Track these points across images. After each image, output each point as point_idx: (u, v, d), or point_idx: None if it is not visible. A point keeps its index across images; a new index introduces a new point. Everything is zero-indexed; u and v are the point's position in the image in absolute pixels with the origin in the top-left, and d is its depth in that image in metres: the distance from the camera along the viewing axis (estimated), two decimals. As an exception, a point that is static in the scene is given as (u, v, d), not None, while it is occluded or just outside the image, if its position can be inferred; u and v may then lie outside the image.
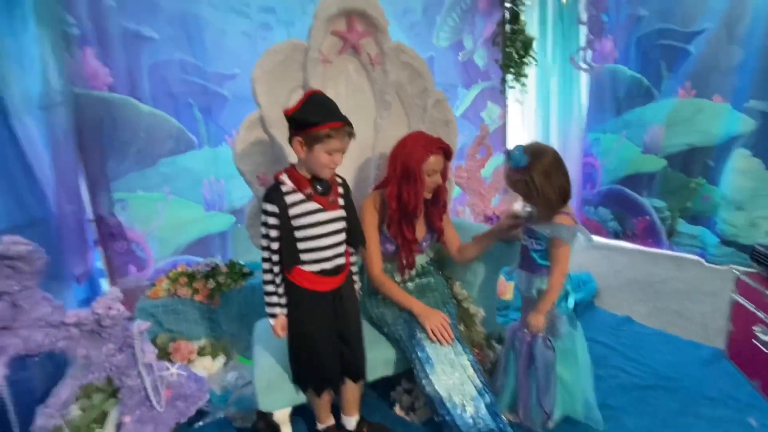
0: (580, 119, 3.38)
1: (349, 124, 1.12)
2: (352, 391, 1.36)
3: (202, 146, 2.43)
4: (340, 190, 1.24)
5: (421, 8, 2.78)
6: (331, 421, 1.40)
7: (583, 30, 2.94)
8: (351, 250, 1.30)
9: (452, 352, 1.30)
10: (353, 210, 1.27)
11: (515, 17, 2.99)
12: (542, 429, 1.36)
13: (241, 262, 2.25)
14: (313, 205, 1.15)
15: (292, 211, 1.14)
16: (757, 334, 1.46)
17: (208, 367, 1.87)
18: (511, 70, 3.04)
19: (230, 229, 2.59)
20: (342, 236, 1.23)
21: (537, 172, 1.21)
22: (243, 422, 1.52)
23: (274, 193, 1.15)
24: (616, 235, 3.30)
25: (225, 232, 2.59)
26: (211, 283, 1.99)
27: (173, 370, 1.59)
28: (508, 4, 2.98)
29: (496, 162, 3.23)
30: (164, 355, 1.82)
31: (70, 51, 2.09)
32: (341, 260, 1.24)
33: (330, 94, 1.67)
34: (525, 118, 3.40)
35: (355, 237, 1.27)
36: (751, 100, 2.42)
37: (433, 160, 1.39)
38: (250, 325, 1.95)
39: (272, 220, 1.14)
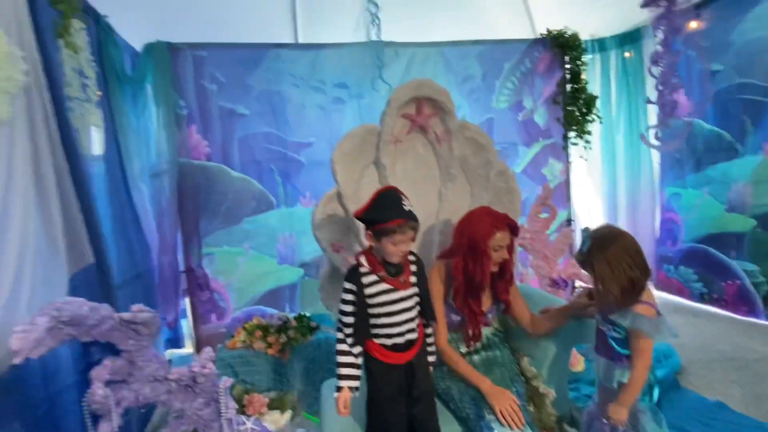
0: (650, 173, 3.23)
1: (413, 219, 1.21)
2: None
3: (280, 206, 2.70)
4: (413, 268, 1.32)
5: (480, 75, 2.93)
6: None
7: (653, 109, 2.89)
8: (424, 323, 1.37)
9: (521, 436, 1.27)
10: (426, 286, 1.35)
11: (576, 77, 3.03)
12: None
13: (308, 314, 2.39)
14: (386, 286, 1.25)
15: (367, 291, 1.25)
16: None
17: (276, 421, 1.97)
18: (574, 127, 3.03)
19: (299, 281, 2.78)
20: (413, 313, 1.30)
21: (598, 261, 1.18)
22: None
23: (353, 274, 1.28)
24: (702, 299, 3.01)
25: (294, 284, 2.78)
26: (283, 338, 2.13)
27: (248, 424, 1.70)
28: (568, 65, 3.03)
29: (560, 218, 3.17)
30: (239, 406, 1.96)
31: (179, 128, 2.49)
32: (413, 335, 1.30)
33: (398, 168, 1.83)
34: (590, 174, 3.33)
35: (427, 312, 1.34)
36: None
37: (500, 236, 1.43)
38: (315, 381, 2.05)
39: (350, 297, 1.27)
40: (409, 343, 1.29)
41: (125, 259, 2.15)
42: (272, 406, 2.03)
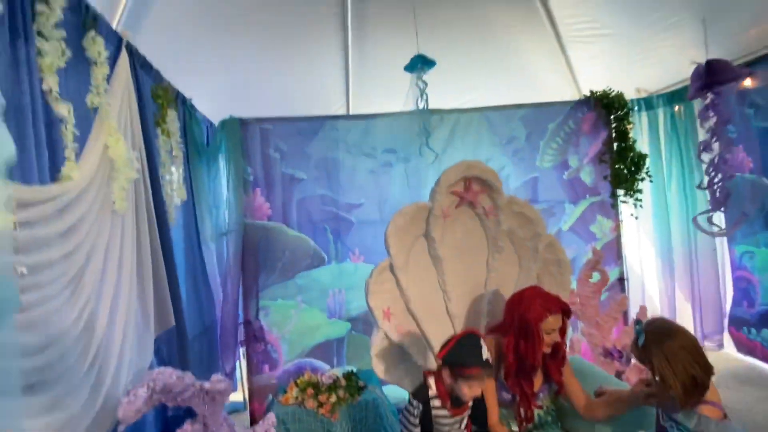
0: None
1: (489, 367, 1.34)
2: None
3: (331, 262, 2.86)
4: None
5: (524, 136, 3.02)
6: None
7: (705, 196, 2.87)
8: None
9: None
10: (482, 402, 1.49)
11: (623, 135, 3.03)
12: None
13: (355, 369, 2.46)
14: (446, 412, 1.43)
15: (433, 413, 1.43)
16: None
17: (325, 483, 2.02)
18: (623, 185, 3.00)
19: (347, 335, 2.88)
20: (464, 422, 1.49)
21: (657, 357, 1.18)
22: None
23: (421, 393, 1.46)
24: None
25: (342, 337, 2.88)
26: (333, 398, 2.21)
27: (302, 487, 1.77)
28: (614, 124, 3.05)
29: (612, 276, 3.08)
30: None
31: (245, 192, 2.77)
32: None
33: (448, 239, 1.93)
34: (642, 232, 3.24)
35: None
36: None
37: (552, 320, 1.46)
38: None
39: (416, 411, 1.44)
40: None
41: (195, 315, 2.37)
42: (321, 468, 2.09)
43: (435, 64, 2.45)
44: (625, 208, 3.09)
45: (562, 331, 1.52)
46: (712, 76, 2.52)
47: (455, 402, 1.42)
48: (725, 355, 3.19)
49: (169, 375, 1.34)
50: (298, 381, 2.37)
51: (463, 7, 3.01)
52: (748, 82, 2.91)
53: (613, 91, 3.05)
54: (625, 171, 3.00)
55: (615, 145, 3.06)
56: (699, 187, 2.98)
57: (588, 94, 3.07)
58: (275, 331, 2.78)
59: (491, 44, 3.27)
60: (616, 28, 2.96)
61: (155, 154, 1.92)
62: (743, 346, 3.06)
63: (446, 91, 3.20)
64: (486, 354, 1.34)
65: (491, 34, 3.21)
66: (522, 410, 1.51)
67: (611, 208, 3.09)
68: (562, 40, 3.23)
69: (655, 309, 3.29)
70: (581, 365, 1.84)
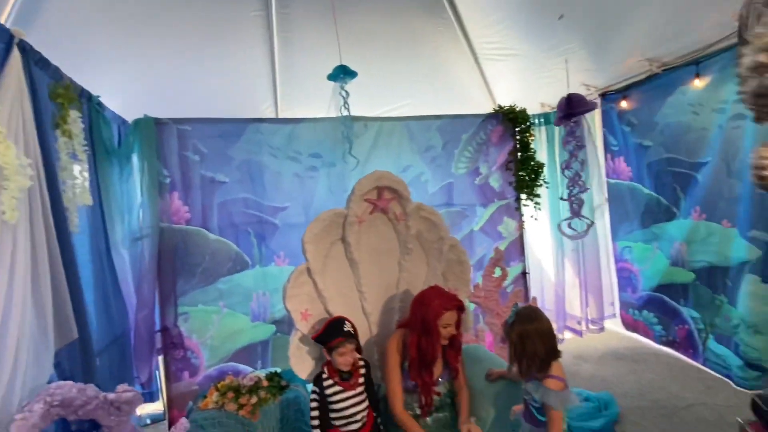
0: (593, 230, 3.61)
1: (351, 337, 1.72)
2: None
3: (255, 266, 2.86)
4: (362, 371, 1.80)
5: (441, 144, 3.28)
6: None
7: (565, 206, 3.44)
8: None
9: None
10: (372, 386, 1.83)
11: (525, 147, 3.42)
12: None
13: (279, 370, 2.52)
14: (339, 388, 1.73)
15: (327, 391, 1.75)
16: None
17: (245, 482, 2.06)
18: (525, 190, 3.40)
19: (271, 337, 2.91)
20: (363, 405, 1.76)
21: (515, 333, 1.43)
22: None
23: (318, 379, 1.78)
24: (660, 340, 3.33)
25: (267, 340, 2.90)
26: (254, 399, 2.24)
27: (219, 488, 1.80)
28: (518, 137, 3.43)
29: (516, 271, 3.47)
30: (210, 469, 2.04)
31: (161, 195, 2.67)
32: (364, 419, 1.76)
33: (363, 243, 2.07)
34: (540, 231, 3.68)
35: (373, 405, 1.81)
36: (753, 230, 2.59)
37: (448, 316, 1.68)
38: (284, 439, 2.17)
39: (315, 396, 1.77)
40: (363, 425, 1.75)
41: (104, 326, 2.25)
42: (242, 467, 2.12)
43: (356, 75, 2.57)
44: (527, 210, 3.50)
45: (458, 325, 1.73)
46: (570, 107, 2.98)
47: (343, 377, 1.74)
48: (613, 334, 3.74)
49: (68, 389, 1.31)
50: (219, 385, 2.37)
51: (386, 19, 3.18)
52: (624, 105, 3.45)
53: (518, 107, 3.43)
54: (527, 178, 3.40)
55: (519, 154, 3.44)
56: (561, 199, 3.50)
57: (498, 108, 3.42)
58: (195, 336, 2.73)
59: (416, 56, 3.50)
60: (520, 49, 3.33)
61: (53, 158, 1.81)
62: (630, 325, 3.63)
63: (373, 99, 3.36)
64: (347, 328, 1.72)
65: (415, 46, 3.43)
66: (423, 397, 1.70)
67: (516, 211, 3.47)
68: (478, 57, 3.56)
69: (551, 299, 3.76)
70: (477, 351, 2.10)
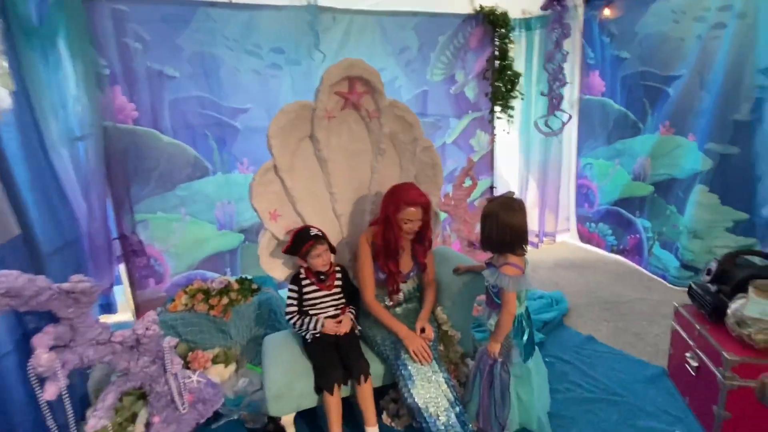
0: (559, 147, 3.64)
1: (319, 238, 1.74)
2: (363, 398, 1.63)
3: (216, 172, 2.69)
4: (338, 275, 1.86)
5: (417, 46, 3.03)
6: None
7: (544, 100, 3.33)
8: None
9: (430, 370, 1.58)
10: (349, 283, 1.89)
11: (503, 54, 3.25)
12: None
13: (249, 277, 2.52)
14: (316, 288, 1.80)
15: (304, 290, 1.81)
16: (687, 359, 1.74)
17: (221, 373, 2.14)
18: (499, 102, 3.30)
19: (239, 246, 2.86)
20: (338, 303, 1.84)
21: (486, 210, 1.49)
22: (254, 424, 1.80)
23: (295, 279, 1.82)
24: (612, 250, 3.60)
25: (235, 249, 2.85)
26: (225, 300, 2.25)
27: (194, 377, 1.86)
28: (497, 42, 3.23)
29: (484, 185, 3.51)
30: (184, 362, 2.09)
31: (101, 89, 2.35)
32: (335, 312, 1.82)
33: (333, 143, 1.96)
34: (511, 146, 3.67)
35: (352, 299, 1.88)
36: (710, 142, 2.69)
37: (408, 212, 1.68)
38: (258, 336, 2.24)
39: (293, 294, 1.82)
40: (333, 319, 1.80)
41: (51, 227, 2.08)
42: (216, 361, 2.19)
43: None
44: (500, 123, 3.44)
45: (426, 223, 1.74)
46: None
47: (320, 278, 1.80)
48: (567, 245, 3.98)
49: (14, 277, 1.21)
50: (187, 289, 2.34)
51: None
52: (607, 13, 3.28)
53: (499, 9, 3.18)
54: (503, 88, 3.28)
55: (497, 63, 3.27)
56: (542, 94, 3.42)
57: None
58: (157, 245, 2.63)
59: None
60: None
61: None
62: (585, 237, 3.88)
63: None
64: (315, 232, 1.75)
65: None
66: (389, 286, 1.76)
67: (489, 124, 3.40)
68: (459, -53, 3.17)
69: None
70: (446, 252, 2.15)
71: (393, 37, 2.96)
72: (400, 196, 1.69)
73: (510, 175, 3.85)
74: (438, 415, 1.50)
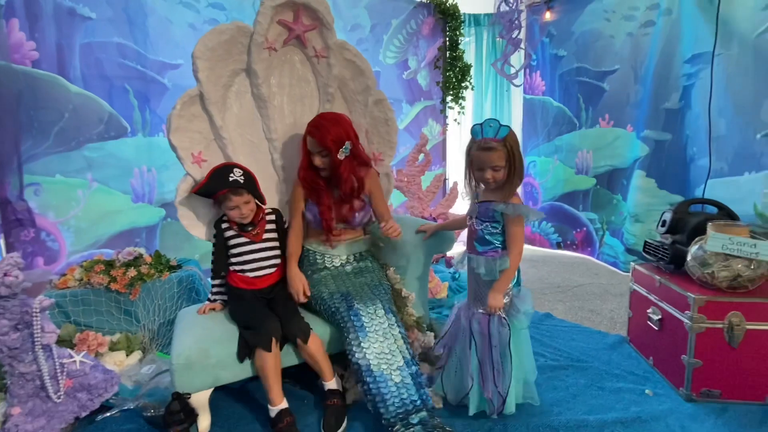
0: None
1: (237, 187, 1.44)
2: (311, 356, 1.38)
3: (136, 134, 2.32)
4: (270, 224, 1.57)
5: (369, 26, 2.96)
6: (284, 403, 1.32)
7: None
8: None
9: (386, 322, 1.33)
10: (284, 232, 1.60)
11: (454, 44, 3.29)
12: (497, 414, 1.33)
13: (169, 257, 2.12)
14: (243, 239, 1.52)
15: (227, 237, 1.53)
16: (649, 315, 1.66)
17: (120, 362, 1.71)
18: (451, 92, 3.29)
19: (159, 223, 2.45)
20: (271, 254, 1.55)
21: (514, 142, 1.28)
22: (156, 411, 1.39)
23: (218, 222, 1.55)
24: (558, 246, 3.59)
25: (153, 226, 2.44)
26: (132, 272, 1.84)
27: (77, 358, 1.43)
28: (448, 33, 3.27)
29: (435, 173, 3.42)
30: (68, 347, 1.64)
31: (-10, 19, 1.95)
32: (271, 270, 1.54)
33: (274, 82, 1.73)
34: (462, 137, 3.67)
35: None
36: (646, 130, 2.84)
37: (309, 140, 1.51)
38: (173, 321, 1.83)
39: (213, 240, 1.56)
40: (268, 275, 1.52)
41: None
42: (116, 347, 1.76)
43: None
44: (451, 114, 3.43)
45: (336, 163, 1.50)
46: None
47: (244, 228, 1.52)
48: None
49: None
50: (84, 263, 1.90)
51: None
52: (548, 16, 3.48)
53: (450, 0, 3.24)
54: (454, 79, 3.29)
55: (447, 53, 3.30)
56: (499, 36, 3.39)
57: (430, -1, 3.19)
58: (53, 215, 2.16)
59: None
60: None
61: None
62: (527, 238, 3.88)
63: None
64: (235, 176, 1.44)
65: None
66: (323, 220, 1.54)
67: (440, 114, 3.37)
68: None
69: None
70: (404, 218, 1.96)
71: (345, 13, 2.86)
72: (311, 121, 1.54)
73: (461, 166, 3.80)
74: (391, 374, 1.24)
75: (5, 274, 1.17)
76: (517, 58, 3.43)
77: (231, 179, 1.43)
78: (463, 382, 1.38)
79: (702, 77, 2.51)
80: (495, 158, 1.26)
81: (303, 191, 1.58)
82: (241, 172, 1.47)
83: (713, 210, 1.73)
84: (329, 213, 1.54)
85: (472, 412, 1.35)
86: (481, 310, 1.35)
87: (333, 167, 1.52)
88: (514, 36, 2.94)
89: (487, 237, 1.35)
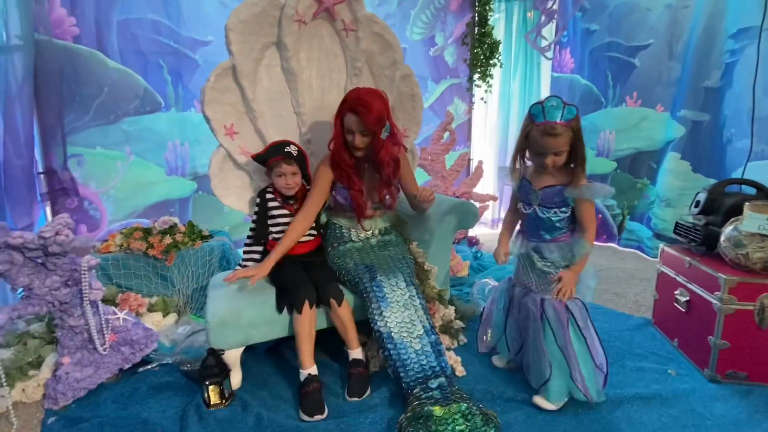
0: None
1: (289, 157, 1.53)
2: (341, 323, 1.43)
3: (169, 108, 2.40)
4: None
5: (396, 1, 2.92)
6: (314, 369, 1.38)
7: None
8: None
9: (407, 294, 1.37)
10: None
11: (483, 20, 3.20)
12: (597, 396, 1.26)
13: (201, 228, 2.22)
14: (284, 210, 1.60)
15: (269, 206, 1.60)
16: (677, 297, 1.63)
17: (157, 322, 1.82)
18: (478, 70, 3.22)
19: (191, 195, 2.55)
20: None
21: (579, 124, 1.19)
22: (192, 366, 1.50)
23: (262, 192, 1.62)
24: None
25: (186, 198, 2.54)
26: (168, 239, 1.95)
27: (121, 315, 1.54)
28: (477, 7, 3.18)
29: (459, 152, 3.38)
30: (111, 305, 1.76)
31: (34, -4, 2.03)
32: (307, 239, 1.62)
33: (303, 56, 1.75)
34: (488, 117, 3.60)
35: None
36: (683, 110, 2.71)
37: (350, 119, 1.44)
38: (206, 287, 1.93)
39: (256, 208, 1.62)
40: (305, 242, 1.60)
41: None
42: (154, 308, 1.87)
43: None
44: (478, 92, 3.36)
45: (378, 145, 1.47)
46: None
47: (287, 200, 1.60)
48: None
49: None
50: (124, 230, 2.02)
51: None
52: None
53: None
54: (482, 56, 3.22)
55: (476, 29, 3.21)
56: (535, 8, 3.30)
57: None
58: (94, 185, 2.28)
59: None
60: None
61: None
62: None
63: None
64: (290, 149, 1.53)
65: None
66: (354, 211, 1.55)
67: (467, 92, 3.31)
68: None
69: (490, 188, 3.78)
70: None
71: (372, -13, 2.82)
72: (347, 97, 1.47)
73: (487, 146, 3.72)
74: (411, 342, 1.28)
75: (57, 233, 1.27)
76: (550, 31, 3.31)
77: (286, 150, 1.54)
78: (542, 369, 1.28)
79: (747, 54, 2.37)
80: (560, 143, 1.18)
81: (332, 173, 1.54)
82: (297, 149, 1.57)
83: (751, 192, 1.66)
84: (361, 197, 1.53)
85: (553, 399, 1.27)
86: (548, 297, 1.27)
87: (374, 148, 1.48)
88: (548, 7, 2.83)
89: (557, 223, 1.28)
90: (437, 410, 1.13)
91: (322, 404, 1.30)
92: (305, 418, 1.27)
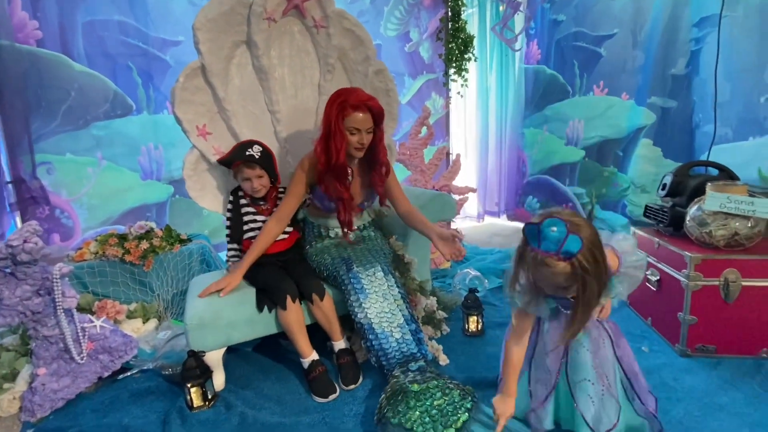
0: (517, 114, 3.64)
1: (250, 161, 1.51)
2: (323, 316, 1.43)
3: (141, 111, 2.36)
4: (280, 200, 1.60)
5: (369, -3, 2.92)
6: (315, 355, 1.41)
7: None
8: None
9: (385, 284, 1.38)
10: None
11: (456, 15, 3.23)
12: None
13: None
14: (253, 209, 1.60)
15: (241, 205, 1.60)
16: (648, 276, 1.69)
17: (137, 329, 1.80)
18: (453, 64, 3.25)
19: (168, 199, 2.51)
20: None
21: (588, 257, 0.84)
22: (173, 370, 1.48)
23: (235, 191, 1.62)
24: None
25: (163, 202, 2.50)
26: (145, 244, 1.91)
27: (97, 323, 1.51)
28: (450, 3, 3.20)
29: (438, 146, 3.41)
30: (88, 314, 1.72)
31: (-7, -1, 1.97)
32: (282, 237, 1.59)
33: (274, 54, 1.74)
34: (466, 110, 3.64)
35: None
36: (652, 97, 2.80)
37: (355, 118, 1.38)
38: (186, 291, 1.90)
39: (229, 206, 1.62)
40: (279, 241, 1.58)
41: None
42: (133, 315, 1.84)
43: None
44: (454, 87, 3.39)
45: (378, 137, 1.48)
46: None
47: (256, 201, 1.60)
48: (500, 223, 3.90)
49: None
50: (99, 237, 1.98)
51: None
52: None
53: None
54: (456, 51, 3.25)
55: (449, 24, 3.24)
56: (494, 28, 3.37)
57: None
58: (65, 193, 2.23)
59: None
60: None
61: None
62: (513, 215, 3.84)
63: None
64: (252, 152, 1.51)
65: None
66: (341, 217, 1.51)
67: (443, 87, 3.34)
68: None
69: (470, 181, 3.82)
70: (408, 187, 1.98)
71: (344, -16, 2.82)
72: (346, 98, 1.39)
73: (466, 140, 3.75)
74: (391, 331, 1.30)
75: (25, 241, 1.23)
76: (520, 24, 3.36)
77: (248, 153, 1.51)
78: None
79: (709, 41, 2.45)
80: (559, 279, 0.87)
81: (310, 178, 1.48)
82: (261, 149, 1.54)
83: (715, 173, 1.73)
84: (351, 205, 1.50)
85: None
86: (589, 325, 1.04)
87: (375, 144, 1.47)
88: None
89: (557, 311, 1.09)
90: (415, 386, 1.15)
91: (333, 384, 1.35)
92: (320, 400, 1.32)
